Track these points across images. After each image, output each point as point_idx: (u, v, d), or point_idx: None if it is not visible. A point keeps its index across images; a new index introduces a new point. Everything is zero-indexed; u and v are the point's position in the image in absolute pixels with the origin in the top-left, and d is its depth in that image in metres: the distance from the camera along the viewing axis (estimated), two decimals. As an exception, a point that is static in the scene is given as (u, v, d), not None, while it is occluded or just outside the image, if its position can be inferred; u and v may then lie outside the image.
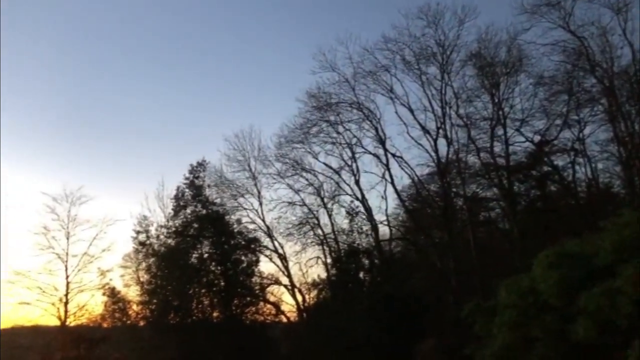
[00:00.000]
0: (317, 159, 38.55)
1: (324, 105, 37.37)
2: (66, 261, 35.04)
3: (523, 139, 33.58)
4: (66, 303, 34.43)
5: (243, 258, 37.69)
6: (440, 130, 34.20)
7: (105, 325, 37.32)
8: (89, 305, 35.60)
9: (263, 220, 39.16)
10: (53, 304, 34.23)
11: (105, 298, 37.14)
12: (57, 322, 34.62)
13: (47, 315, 34.56)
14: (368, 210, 36.78)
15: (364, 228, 36.94)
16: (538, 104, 33.19)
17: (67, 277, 34.76)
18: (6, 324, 34.43)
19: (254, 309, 37.14)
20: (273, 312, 37.84)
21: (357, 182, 37.10)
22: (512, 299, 16.98)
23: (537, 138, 33.68)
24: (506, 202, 33.14)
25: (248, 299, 37.13)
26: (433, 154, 34.50)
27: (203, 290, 36.53)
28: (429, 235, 36.90)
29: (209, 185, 39.48)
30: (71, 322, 34.61)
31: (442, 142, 34.26)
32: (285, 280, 38.32)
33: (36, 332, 34.85)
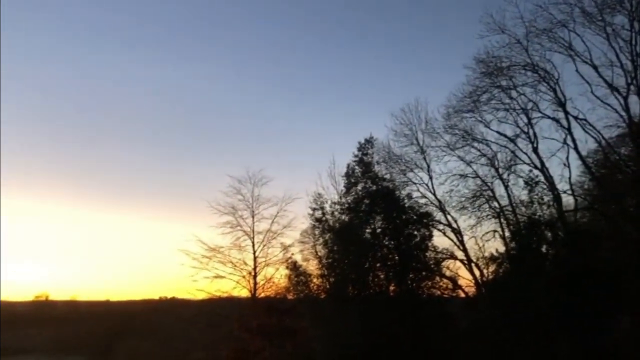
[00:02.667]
0: (489, 127, 36.86)
1: (494, 70, 35.45)
2: (252, 238, 37.29)
3: None
4: (255, 276, 36.84)
5: (416, 233, 37.62)
6: (631, 87, 30.45)
7: (289, 297, 39.57)
8: (275, 278, 37.84)
9: (434, 194, 38.66)
10: (244, 277, 36.81)
11: (288, 271, 39.41)
12: (247, 294, 37.40)
13: (239, 288, 37.36)
14: (549, 179, 34.30)
15: (545, 198, 34.55)
16: None
17: (255, 252, 37.08)
18: (203, 294, 37.65)
19: (429, 283, 36.93)
20: (450, 286, 37.30)
21: (535, 150, 34.79)
22: None
23: None
24: None
25: (423, 273, 36.98)
26: (623, 113, 30.92)
27: (378, 264, 37.17)
28: (621, 203, 33.38)
29: (377, 162, 39.98)
30: (260, 293, 37.03)
31: (633, 100, 30.54)
32: (460, 254, 37.57)
33: (230, 302, 37.73)
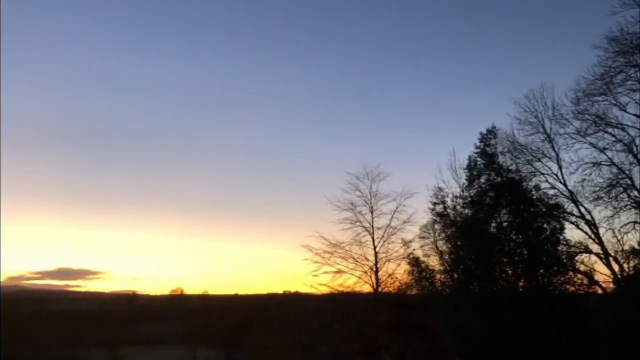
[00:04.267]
0: (624, 110, 33.86)
1: (629, 48, 32.57)
2: (372, 233, 37.63)
3: None
4: (376, 271, 37.10)
5: (545, 226, 35.63)
6: None
7: (411, 292, 39.30)
8: (397, 274, 37.77)
9: (564, 185, 36.36)
10: (365, 272, 37.18)
11: (409, 267, 39.13)
12: (369, 289, 37.65)
13: (360, 283, 37.70)
14: (700, 164, 31.19)
15: (696, 186, 31.47)
16: None
17: (375, 247, 37.36)
18: (326, 289, 38.39)
19: (562, 278, 34.88)
20: (585, 282, 34.97)
21: (681, 132, 31.78)
22: None
23: None
24: None
25: (555, 268, 34.99)
26: None
27: (505, 260, 35.77)
28: None
29: (501, 152, 38.31)
30: (382, 289, 37.15)
31: None
32: (596, 248, 35.03)
33: (352, 297, 38.18)
